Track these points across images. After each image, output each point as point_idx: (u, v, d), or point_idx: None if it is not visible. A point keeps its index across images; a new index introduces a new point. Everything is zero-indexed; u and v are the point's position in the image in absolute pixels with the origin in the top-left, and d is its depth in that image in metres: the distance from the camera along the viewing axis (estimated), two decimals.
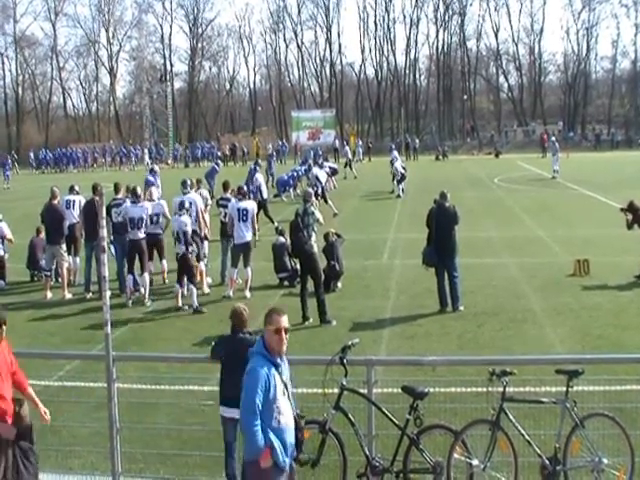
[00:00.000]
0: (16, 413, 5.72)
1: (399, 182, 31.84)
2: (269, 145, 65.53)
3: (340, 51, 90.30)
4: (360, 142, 64.67)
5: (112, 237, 14.72)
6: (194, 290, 13.56)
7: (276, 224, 18.70)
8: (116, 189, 15.34)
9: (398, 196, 31.34)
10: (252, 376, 5.03)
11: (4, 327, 5.61)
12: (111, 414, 6.66)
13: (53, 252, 15.13)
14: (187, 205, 14.21)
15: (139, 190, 14.59)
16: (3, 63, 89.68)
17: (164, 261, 15.31)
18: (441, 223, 12.90)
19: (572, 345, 10.54)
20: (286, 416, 5.16)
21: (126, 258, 14.42)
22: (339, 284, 14.70)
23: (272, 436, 5.05)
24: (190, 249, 13.63)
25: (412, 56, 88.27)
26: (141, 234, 14.20)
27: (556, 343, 10.72)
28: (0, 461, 5.55)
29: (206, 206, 16.37)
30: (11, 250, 16.67)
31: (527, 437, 6.27)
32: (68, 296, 14.86)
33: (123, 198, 15.05)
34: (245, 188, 15.65)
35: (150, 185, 23.57)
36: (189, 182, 15.41)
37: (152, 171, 26.16)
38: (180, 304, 13.54)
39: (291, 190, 31.74)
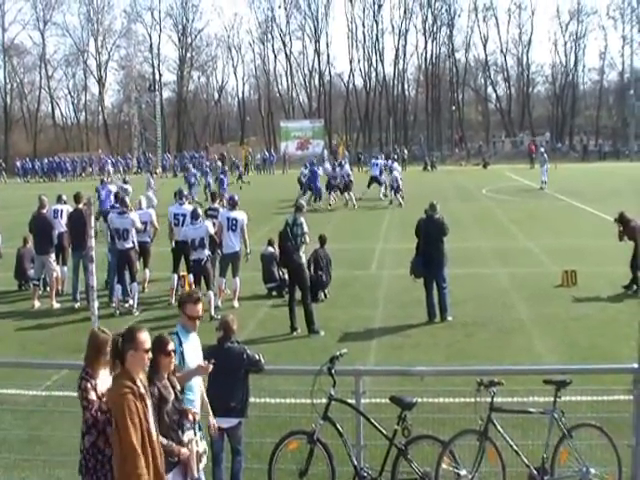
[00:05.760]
0: None
1: (396, 191, 31.83)
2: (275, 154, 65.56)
3: (329, 61, 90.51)
4: (347, 153, 64.93)
5: (109, 245, 14.78)
6: (212, 296, 13.51)
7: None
8: (116, 198, 15.59)
9: (400, 204, 31.03)
10: None
11: None
12: None
13: (43, 261, 15.07)
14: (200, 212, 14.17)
15: (127, 200, 14.61)
16: None
17: (147, 270, 15.43)
18: (430, 234, 12.89)
19: (560, 355, 10.57)
20: None
21: (116, 268, 14.41)
22: (327, 293, 14.70)
23: None
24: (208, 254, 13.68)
25: (401, 67, 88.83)
26: (128, 244, 14.14)
27: (544, 353, 10.76)
28: None
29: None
30: None
31: (515, 447, 6.29)
32: (56, 306, 14.78)
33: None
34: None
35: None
36: (185, 192, 15.49)
37: (223, 172, 26.69)
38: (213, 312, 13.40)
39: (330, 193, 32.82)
